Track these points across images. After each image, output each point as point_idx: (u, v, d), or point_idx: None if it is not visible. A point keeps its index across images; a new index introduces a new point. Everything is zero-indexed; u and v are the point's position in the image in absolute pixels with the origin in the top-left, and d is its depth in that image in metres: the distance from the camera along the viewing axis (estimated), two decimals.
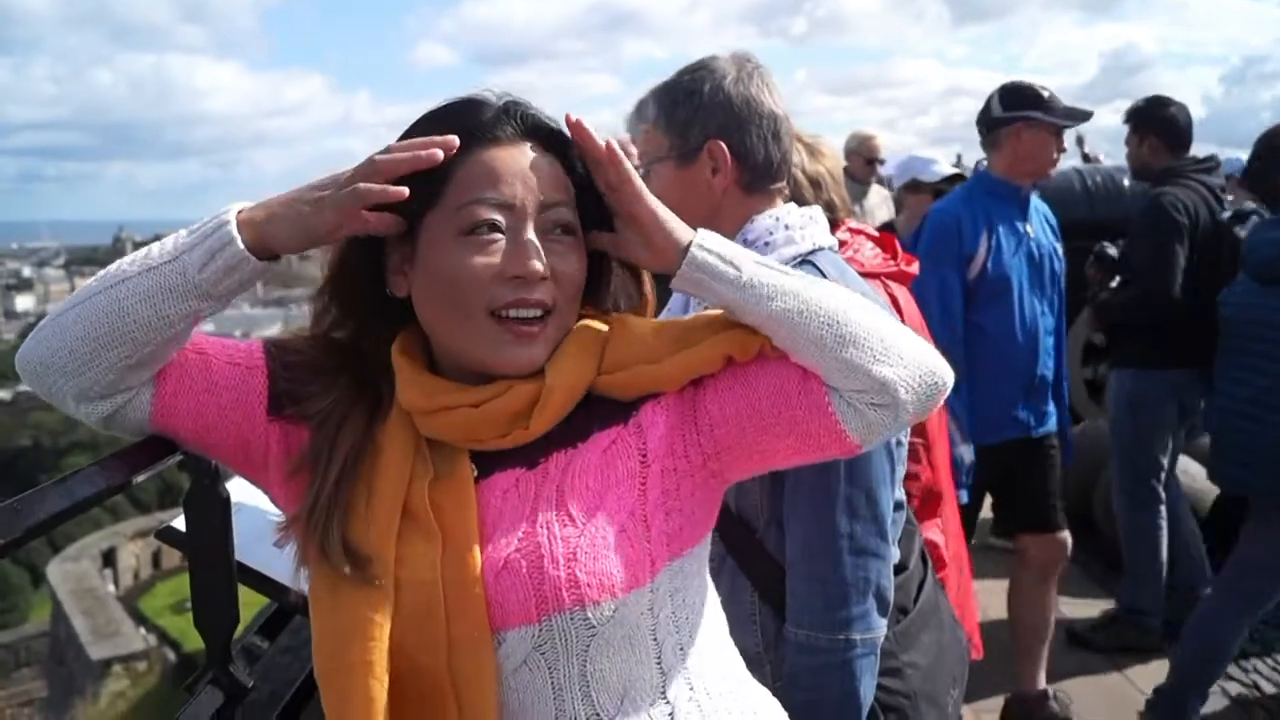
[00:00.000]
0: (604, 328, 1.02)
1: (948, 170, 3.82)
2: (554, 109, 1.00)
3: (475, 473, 0.98)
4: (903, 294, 1.98)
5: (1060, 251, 3.09)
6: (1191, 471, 4.16)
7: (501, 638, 0.93)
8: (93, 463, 1.07)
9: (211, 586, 1.21)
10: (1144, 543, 3.65)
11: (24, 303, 79.46)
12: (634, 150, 1.58)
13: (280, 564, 1.26)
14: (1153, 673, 3.44)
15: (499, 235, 0.96)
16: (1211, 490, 4.13)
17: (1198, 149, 3.65)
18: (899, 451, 1.43)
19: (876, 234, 2.04)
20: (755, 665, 1.19)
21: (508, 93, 1.01)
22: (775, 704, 1.14)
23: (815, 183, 1.99)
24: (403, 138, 1.00)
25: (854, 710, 1.35)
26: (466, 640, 0.92)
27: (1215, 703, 3.19)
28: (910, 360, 0.97)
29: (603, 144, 0.98)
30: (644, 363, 0.99)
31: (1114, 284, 3.78)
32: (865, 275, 1.84)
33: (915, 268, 2.00)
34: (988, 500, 3.29)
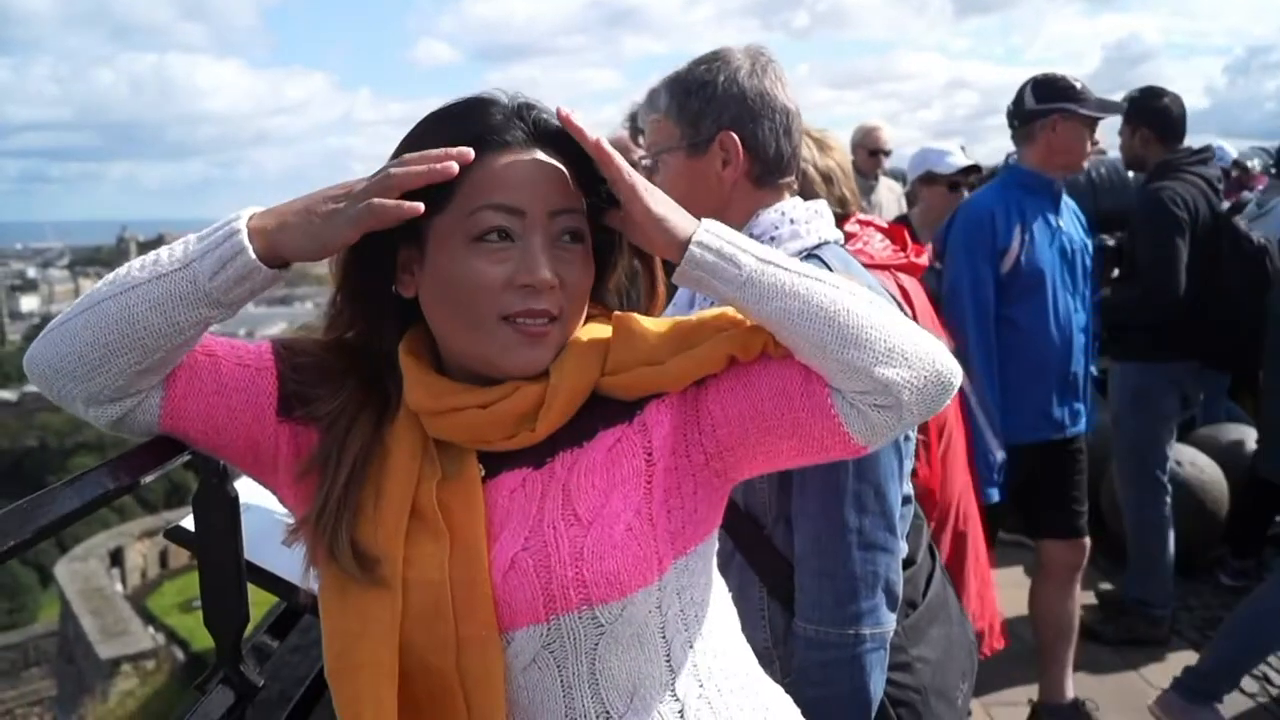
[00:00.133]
0: (607, 329, 1.02)
1: (963, 161, 3.73)
2: (557, 103, 0.99)
3: (482, 473, 0.98)
4: (913, 285, 1.97)
5: (1090, 246, 3.02)
6: (1200, 464, 4.14)
7: (510, 637, 0.93)
8: (101, 464, 1.06)
9: (221, 586, 1.22)
10: (1152, 535, 3.64)
11: (29, 303, 79.50)
12: (632, 148, 1.57)
13: (289, 563, 1.26)
14: (1161, 665, 3.43)
15: (509, 242, 0.95)
16: (1219, 482, 4.12)
17: (1203, 139, 3.62)
18: (907, 446, 1.42)
19: (885, 225, 2.04)
20: (764, 661, 1.19)
21: (519, 93, 1.01)
22: (787, 700, 1.14)
23: (827, 178, 1.98)
24: (411, 136, 1.00)
25: (864, 705, 1.35)
26: (475, 640, 0.92)
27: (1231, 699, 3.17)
28: (915, 360, 0.95)
29: (593, 139, 0.96)
30: (647, 364, 0.99)
31: (1113, 275, 3.76)
32: (874, 267, 1.83)
33: (925, 259, 1.99)
34: None
